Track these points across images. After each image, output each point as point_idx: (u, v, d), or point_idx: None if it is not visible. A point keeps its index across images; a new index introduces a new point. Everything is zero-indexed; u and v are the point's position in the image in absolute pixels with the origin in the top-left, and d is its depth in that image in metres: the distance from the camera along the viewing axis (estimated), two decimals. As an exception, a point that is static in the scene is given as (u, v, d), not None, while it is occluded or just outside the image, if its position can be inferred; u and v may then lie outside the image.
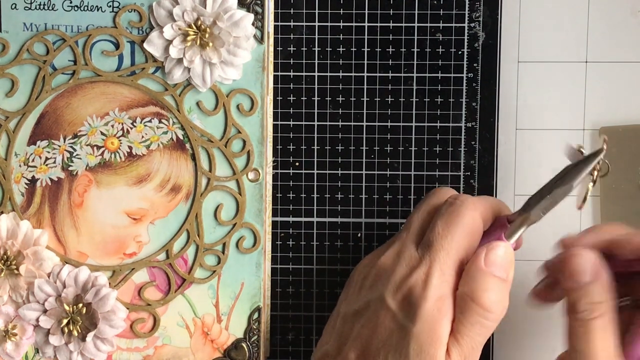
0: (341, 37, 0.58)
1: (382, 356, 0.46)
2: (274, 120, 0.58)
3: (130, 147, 0.57)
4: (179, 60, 0.56)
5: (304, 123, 0.59)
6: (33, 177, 0.58)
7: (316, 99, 0.58)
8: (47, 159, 0.57)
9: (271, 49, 0.57)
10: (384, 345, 0.46)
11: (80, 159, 0.57)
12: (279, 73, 0.58)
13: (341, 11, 0.58)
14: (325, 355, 0.49)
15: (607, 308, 0.46)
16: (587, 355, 0.46)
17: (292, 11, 0.58)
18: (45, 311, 0.57)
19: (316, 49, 0.58)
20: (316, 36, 0.58)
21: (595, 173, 0.48)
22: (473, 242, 0.48)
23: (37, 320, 0.57)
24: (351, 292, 0.50)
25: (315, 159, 0.59)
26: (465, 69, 0.58)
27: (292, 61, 0.58)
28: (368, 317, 0.47)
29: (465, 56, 0.58)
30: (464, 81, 0.58)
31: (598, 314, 0.46)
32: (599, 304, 0.46)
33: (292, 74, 0.58)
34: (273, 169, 0.59)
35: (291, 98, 0.58)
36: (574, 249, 0.47)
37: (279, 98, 0.58)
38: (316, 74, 0.58)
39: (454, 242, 0.47)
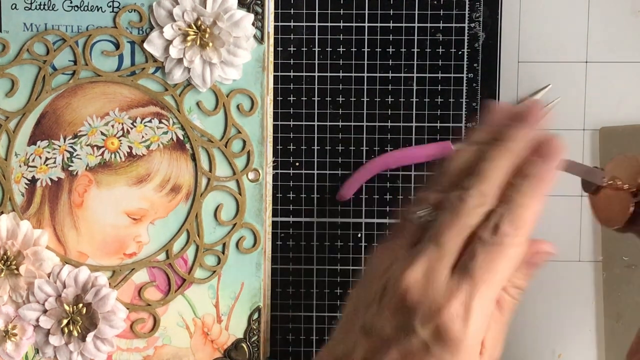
0: (341, 37, 0.58)
1: None
2: (274, 120, 0.58)
3: (130, 147, 0.57)
4: (179, 60, 0.56)
5: (304, 123, 0.59)
6: (33, 177, 0.58)
7: (316, 99, 0.58)
8: (47, 159, 0.57)
9: (271, 49, 0.57)
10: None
11: (80, 159, 0.57)
12: (279, 73, 0.58)
13: (341, 11, 0.58)
14: None
15: None
16: None
17: (292, 11, 0.58)
18: (45, 311, 0.57)
19: (316, 49, 0.58)
20: (316, 36, 0.58)
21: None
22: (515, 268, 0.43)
23: (37, 320, 0.57)
24: (371, 300, 0.45)
25: (315, 159, 0.59)
26: (465, 69, 0.58)
27: (292, 61, 0.58)
28: (400, 348, 0.45)
29: (465, 56, 0.58)
30: (464, 81, 0.58)
31: None
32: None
33: (292, 74, 0.58)
34: (273, 169, 0.59)
35: (291, 98, 0.58)
36: None
37: (279, 98, 0.58)
38: (316, 74, 0.58)
39: (498, 275, 0.43)
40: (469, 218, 0.43)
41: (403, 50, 0.58)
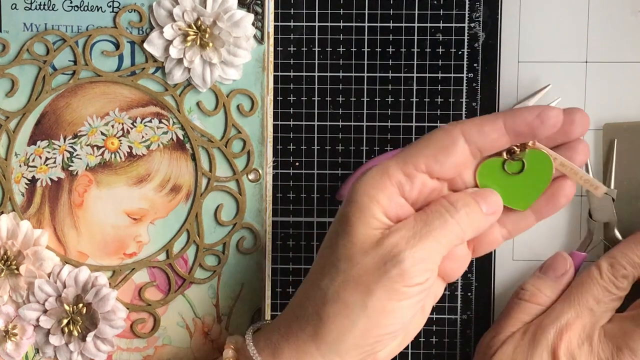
0: (341, 37, 0.58)
1: (324, 240, 0.47)
2: (274, 120, 0.58)
3: (130, 147, 0.57)
4: (179, 61, 0.56)
5: (304, 123, 0.59)
6: (33, 177, 0.58)
7: (316, 99, 0.58)
8: (47, 159, 0.57)
9: (271, 49, 0.57)
10: (328, 232, 0.47)
11: (80, 159, 0.57)
12: (279, 73, 0.58)
13: (341, 11, 0.58)
14: None
15: None
16: None
17: (292, 11, 0.58)
18: (45, 311, 0.57)
19: (316, 49, 0.58)
20: (316, 36, 0.58)
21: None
22: (443, 157, 0.45)
23: (37, 320, 0.57)
24: None
25: (315, 159, 0.59)
26: (465, 69, 0.58)
27: (292, 61, 0.58)
28: None
29: (465, 56, 0.58)
30: (464, 81, 0.58)
31: None
32: None
33: (292, 74, 0.58)
34: (273, 169, 0.59)
35: (291, 98, 0.58)
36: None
37: (279, 98, 0.58)
38: (316, 74, 0.58)
39: (412, 148, 0.46)
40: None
41: (403, 50, 0.58)
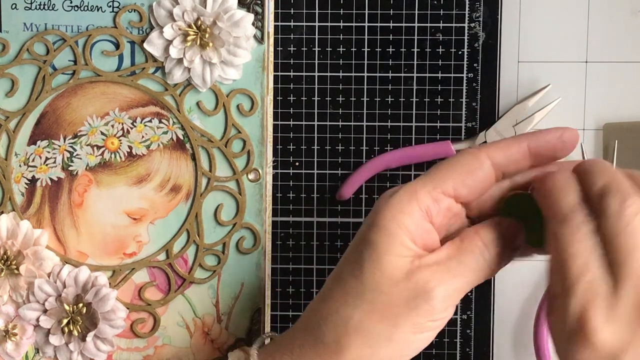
0: (341, 37, 0.58)
1: (345, 263, 0.45)
2: (274, 120, 0.58)
3: (130, 147, 0.57)
4: (179, 60, 0.56)
5: (304, 123, 0.59)
6: (33, 177, 0.58)
7: (316, 99, 0.58)
8: (47, 158, 0.57)
9: (271, 49, 0.57)
10: (349, 253, 0.45)
11: (80, 158, 0.57)
12: (279, 73, 0.58)
13: (341, 11, 0.58)
14: None
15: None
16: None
17: (292, 11, 0.58)
18: (45, 311, 0.57)
19: (316, 49, 0.58)
20: (316, 36, 0.58)
21: None
22: (470, 181, 0.44)
23: (37, 320, 0.57)
24: None
25: (315, 159, 0.59)
26: (465, 69, 0.58)
27: (292, 61, 0.58)
28: None
29: (465, 56, 0.58)
30: (464, 81, 0.58)
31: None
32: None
33: (292, 74, 0.58)
34: (273, 169, 0.59)
35: (291, 98, 0.58)
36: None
37: (279, 98, 0.58)
38: (316, 74, 0.58)
39: (439, 171, 0.44)
40: None
41: (403, 50, 0.58)
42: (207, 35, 0.55)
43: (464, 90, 0.58)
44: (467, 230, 0.45)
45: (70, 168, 0.58)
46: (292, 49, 0.58)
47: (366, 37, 0.58)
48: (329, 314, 0.45)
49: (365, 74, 0.58)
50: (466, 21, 0.58)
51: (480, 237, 0.44)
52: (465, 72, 0.58)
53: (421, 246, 0.44)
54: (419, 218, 0.44)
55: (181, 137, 0.57)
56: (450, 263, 0.43)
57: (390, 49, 0.58)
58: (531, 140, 0.45)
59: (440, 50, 0.58)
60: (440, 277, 0.43)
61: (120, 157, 0.57)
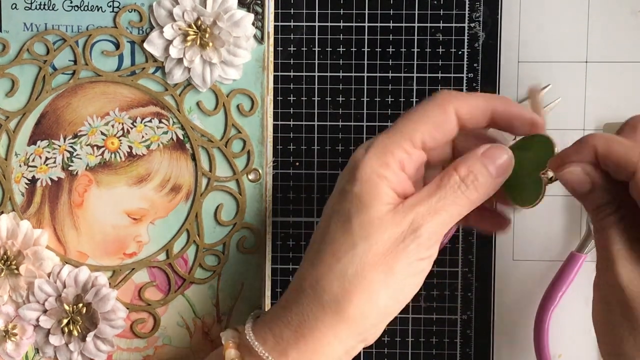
0: (341, 37, 0.58)
1: (330, 222, 0.47)
2: (274, 120, 0.58)
3: (130, 147, 0.57)
4: (179, 60, 0.56)
5: (304, 123, 0.59)
6: (33, 177, 0.58)
7: (316, 99, 0.58)
8: (47, 159, 0.57)
9: (271, 49, 0.57)
10: (332, 213, 0.47)
11: (80, 158, 0.57)
12: (279, 73, 0.58)
13: (341, 11, 0.58)
14: None
15: (614, 207, 0.45)
16: (606, 251, 0.46)
17: (292, 11, 0.58)
18: (45, 311, 0.57)
19: (316, 49, 0.58)
20: (316, 36, 0.58)
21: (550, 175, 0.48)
22: (437, 133, 0.47)
23: (37, 320, 0.57)
24: None
25: (315, 159, 0.59)
26: (465, 69, 0.58)
27: (292, 61, 0.58)
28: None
29: (465, 56, 0.58)
30: (464, 81, 0.58)
31: (606, 213, 0.45)
32: (607, 205, 0.45)
33: (292, 74, 0.58)
34: (273, 169, 0.59)
35: (291, 98, 0.58)
36: (564, 168, 0.46)
37: (279, 98, 0.58)
38: (316, 74, 0.58)
39: (409, 123, 0.47)
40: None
41: (403, 50, 0.58)
42: (207, 35, 0.55)
43: (464, 90, 0.58)
44: (447, 168, 0.47)
45: (70, 168, 0.58)
46: (292, 49, 0.58)
47: (366, 37, 0.58)
48: (323, 274, 0.46)
49: (365, 74, 0.58)
50: (466, 21, 0.58)
51: (457, 172, 0.46)
52: (465, 72, 0.58)
53: (401, 194, 0.46)
54: (396, 169, 0.46)
55: (181, 137, 0.58)
56: (431, 200, 0.46)
57: (390, 49, 0.58)
58: (498, 106, 0.48)
59: (440, 50, 0.58)
60: (423, 214, 0.45)
61: (120, 157, 0.57)
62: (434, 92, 0.48)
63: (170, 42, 0.56)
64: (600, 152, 0.44)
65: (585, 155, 0.45)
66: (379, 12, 0.58)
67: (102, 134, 0.57)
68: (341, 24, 0.58)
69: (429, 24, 0.58)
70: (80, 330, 0.57)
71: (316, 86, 0.58)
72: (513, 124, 0.48)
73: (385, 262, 0.45)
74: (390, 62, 0.58)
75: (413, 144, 0.46)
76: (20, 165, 0.57)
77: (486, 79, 0.58)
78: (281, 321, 0.47)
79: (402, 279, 0.45)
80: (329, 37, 0.58)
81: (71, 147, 0.57)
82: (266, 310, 0.58)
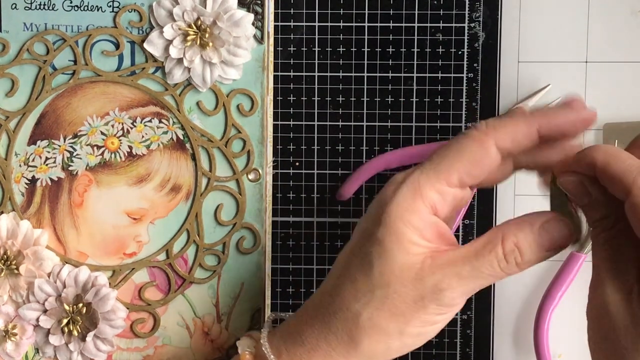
0: (341, 37, 0.58)
1: (352, 259, 0.45)
2: (274, 120, 0.58)
3: (130, 147, 0.57)
4: (179, 60, 0.56)
5: (304, 123, 0.59)
6: (33, 177, 0.58)
7: (316, 99, 0.58)
8: (47, 158, 0.57)
9: (271, 49, 0.57)
10: (355, 250, 0.45)
11: (80, 158, 0.57)
12: (279, 73, 0.58)
13: (341, 11, 0.58)
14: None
15: (610, 224, 0.42)
16: (595, 268, 0.42)
17: (292, 11, 0.58)
18: (45, 311, 0.57)
19: (316, 49, 0.58)
20: (316, 36, 0.58)
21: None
22: (475, 170, 0.43)
23: (37, 320, 0.57)
24: None
25: (315, 159, 0.59)
26: (465, 69, 0.58)
27: (292, 61, 0.58)
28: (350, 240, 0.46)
29: (465, 56, 0.58)
30: (464, 81, 0.58)
31: (601, 229, 0.42)
32: (601, 221, 0.42)
33: (292, 74, 0.58)
34: (273, 169, 0.59)
35: (291, 98, 0.58)
36: (563, 175, 0.43)
37: (279, 98, 0.58)
38: (316, 74, 0.58)
39: (446, 161, 0.43)
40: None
41: (403, 50, 0.58)
42: (207, 35, 0.55)
43: (464, 90, 0.58)
44: (493, 232, 0.43)
45: (70, 168, 0.58)
46: (292, 49, 0.58)
47: (366, 37, 0.58)
48: (339, 309, 0.45)
49: (365, 74, 0.58)
50: (466, 21, 0.58)
51: (503, 245, 0.43)
52: (465, 72, 0.58)
53: (430, 238, 0.43)
54: (425, 214, 0.43)
55: (181, 137, 0.58)
56: (464, 267, 0.42)
57: (390, 49, 0.58)
58: (542, 122, 0.43)
59: (440, 50, 0.58)
60: (450, 280, 0.42)
61: (120, 157, 0.57)
62: (472, 125, 0.43)
63: (170, 42, 0.56)
64: (598, 166, 0.41)
65: (584, 167, 0.42)
66: (379, 12, 0.58)
67: (102, 134, 0.57)
68: (341, 24, 0.58)
69: (429, 24, 0.58)
70: (80, 330, 0.57)
71: (316, 86, 0.58)
72: (564, 132, 0.44)
73: (402, 314, 0.43)
74: (390, 62, 0.58)
75: (448, 183, 0.43)
76: (20, 165, 0.57)
77: (486, 79, 0.58)
78: (296, 340, 0.47)
79: (417, 331, 0.44)
80: (329, 37, 0.58)
81: (71, 147, 0.57)
82: (268, 309, 0.58)
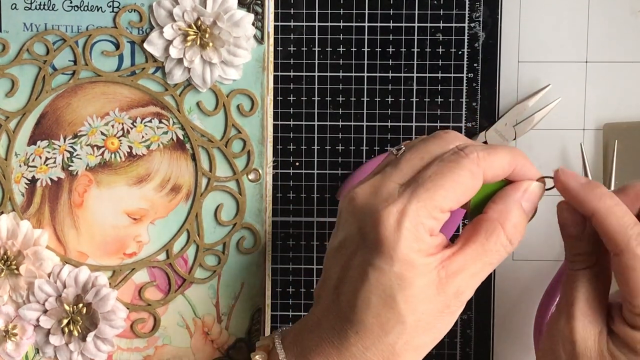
0: (341, 37, 0.58)
1: (371, 295, 0.45)
2: (274, 120, 0.58)
3: (130, 147, 0.57)
4: (179, 61, 0.56)
5: (304, 123, 0.59)
6: (33, 177, 0.58)
7: (316, 99, 0.58)
8: (47, 159, 0.57)
9: (271, 49, 0.57)
10: (371, 295, 0.45)
11: (80, 159, 0.57)
12: (279, 73, 0.58)
13: (341, 11, 0.58)
14: (315, 294, 0.49)
15: (591, 262, 0.47)
16: (569, 301, 0.47)
17: (292, 11, 0.58)
18: (45, 311, 0.57)
19: (316, 49, 0.58)
20: (316, 36, 0.58)
21: None
22: (463, 200, 0.45)
23: (38, 320, 0.57)
24: (335, 225, 0.49)
25: (315, 159, 0.59)
26: (465, 69, 0.58)
27: (292, 61, 0.58)
28: (343, 254, 0.46)
29: (465, 56, 0.58)
30: (464, 81, 0.58)
31: (581, 265, 0.47)
32: (583, 255, 0.47)
33: (292, 74, 0.58)
34: (273, 169, 0.59)
35: (291, 98, 0.58)
36: (562, 202, 0.48)
37: (279, 98, 0.58)
38: (316, 74, 0.58)
39: (442, 191, 0.44)
40: (433, 146, 0.46)
41: (403, 50, 0.58)
42: (207, 35, 0.55)
43: (464, 90, 0.58)
44: (487, 222, 0.46)
45: (70, 168, 0.58)
46: (292, 49, 0.58)
47: (366, 37, 0.58)
48: (371, 345, 0.45)
49: (365, 74, 0.58)
50: (466, 21, 0.58)
51: (504, 229, 0.46)
52: (465, 72, 0.58)
53: (434, 252, 0.45)
54: (427, 237, 0.45)
55: (181, 137, 0.58)
56: (476, 266, 0.45)
57: (390, 49, 0.58)
58: (520, 162, 0.47)
59: (440, 50, 0.58)
60: (468, 282, 0.45)
61: (120, 157, 0.57)
62: (461, 147, 0.45)
63: (170, 42, 0.56)
64: (597, 217, 0.45)
65: (586, 210, 0.46)
66: (379, 12, 0.58)
67: (102, 134, 0.57)
68: (341, 24, 0.58)
69: (429, 24, 0.58)
70: (80, 330, 0.57)
71: (316, 86, 0.58)
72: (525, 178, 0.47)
73: (434, 326, 0.45)
74: (390, 62, 0.58)
75: (442, 211, 0.45)
76: (20, 165, 0.57)
77: (486, 79, 0.58)
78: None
79: (444, 331, 0.46)
80: (329, 37, 0.58)
81: (71, 147, 0.57)
82: (268, 309, 0.58)
